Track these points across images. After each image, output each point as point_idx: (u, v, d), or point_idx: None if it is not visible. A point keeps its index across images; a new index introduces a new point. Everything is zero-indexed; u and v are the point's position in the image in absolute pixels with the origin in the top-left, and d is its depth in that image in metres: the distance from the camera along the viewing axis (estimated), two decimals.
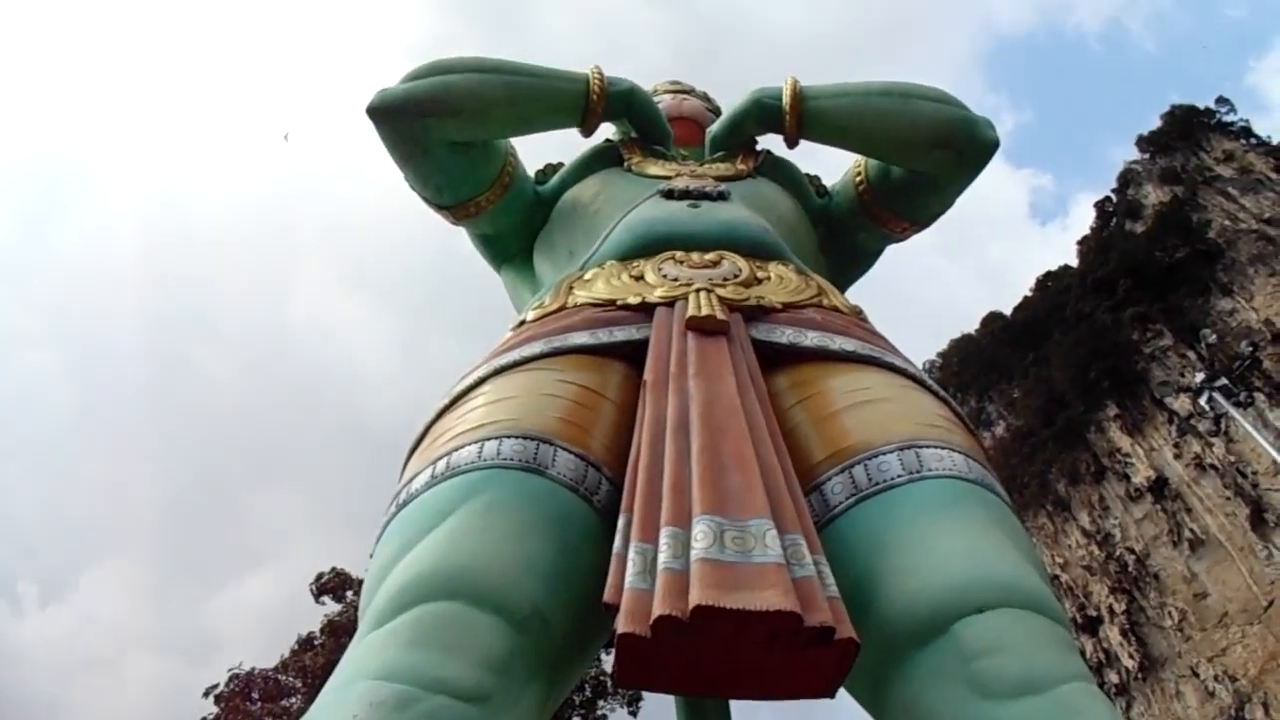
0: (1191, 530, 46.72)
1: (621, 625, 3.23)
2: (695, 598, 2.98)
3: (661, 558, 3.13)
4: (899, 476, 3.87)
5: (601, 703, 23.61)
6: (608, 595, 3.26)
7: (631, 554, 3.21)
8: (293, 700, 20.63)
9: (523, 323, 4.33)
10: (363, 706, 3.50)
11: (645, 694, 22.83)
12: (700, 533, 3.17)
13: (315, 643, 22.46)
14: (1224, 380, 35.22)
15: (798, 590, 3.15)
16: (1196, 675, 42.47)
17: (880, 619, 3.87)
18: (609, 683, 23.22)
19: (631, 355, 3.95)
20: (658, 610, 3.02)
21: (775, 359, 4.00)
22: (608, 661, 22.53)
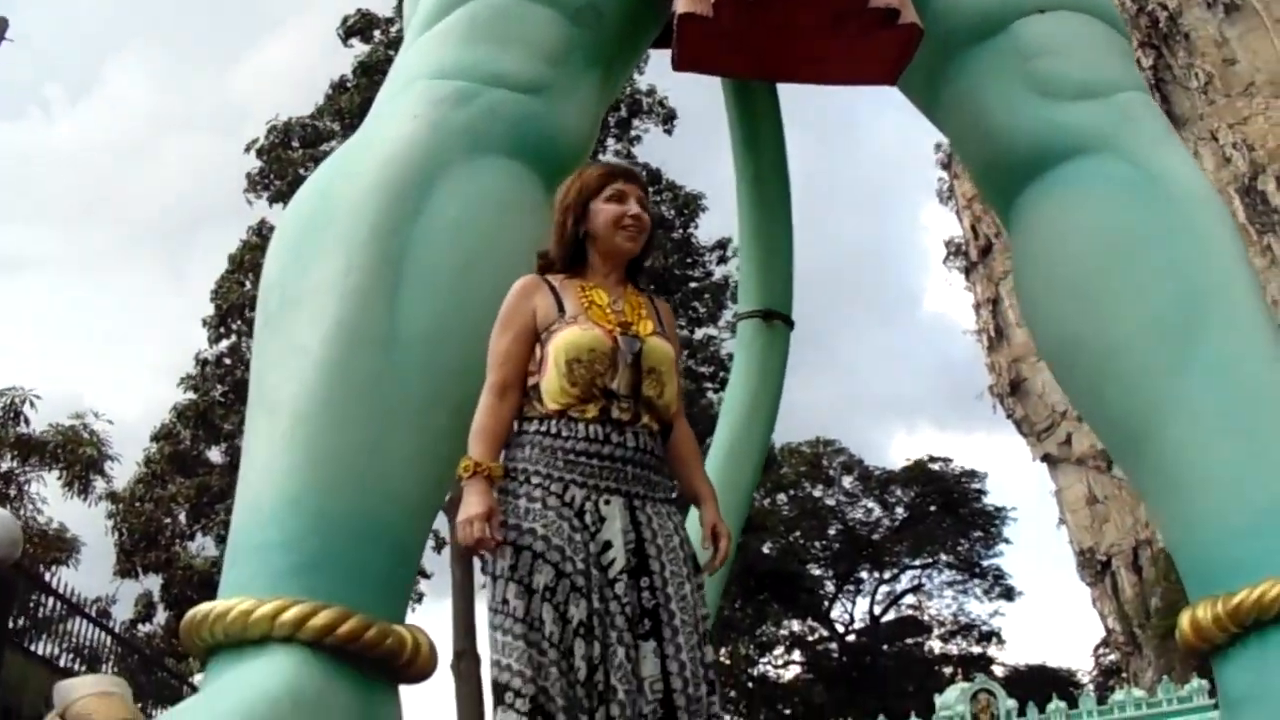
0: None
1: (681, 5, 3.16)
2: None
3: None
4: None
5: (636, 121, 23.50)
6: None
7: None
8: (331, 144, 20.33)
9: None
10: (422, 104, 3.53)
11: (679, 114, 22.86)
12: None
13: (348, 85, 21.84)
14: None
15: None
16: (1215, 139, 42.41)
17: (940, 10, 3.79)
18: (644, 101, 23.15)
19: None
20: None
21: None
22: (641, 80, 22.34)
